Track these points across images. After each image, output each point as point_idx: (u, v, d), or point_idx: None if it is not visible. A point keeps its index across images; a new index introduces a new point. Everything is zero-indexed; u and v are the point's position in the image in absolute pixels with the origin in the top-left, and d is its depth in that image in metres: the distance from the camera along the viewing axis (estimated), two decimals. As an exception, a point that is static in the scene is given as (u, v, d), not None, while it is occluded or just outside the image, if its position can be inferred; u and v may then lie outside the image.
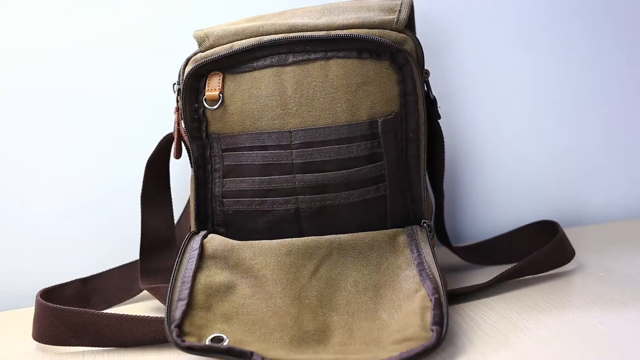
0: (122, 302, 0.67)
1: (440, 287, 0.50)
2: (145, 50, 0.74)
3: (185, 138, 0.59)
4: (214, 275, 0.52)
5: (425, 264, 0.53)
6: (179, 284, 0.50)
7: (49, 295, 0.60)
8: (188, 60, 0.58)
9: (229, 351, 0.44)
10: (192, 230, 0.60)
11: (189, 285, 0.50)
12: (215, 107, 0.58)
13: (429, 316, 0.47)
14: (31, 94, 0.72)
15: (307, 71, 0.56)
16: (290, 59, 0.56)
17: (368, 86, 0.56)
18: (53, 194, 0.74)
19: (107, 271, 0.68)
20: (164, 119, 0.73)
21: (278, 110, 0.56)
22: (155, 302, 0.66)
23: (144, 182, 0.64)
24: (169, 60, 0.73)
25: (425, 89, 0.61)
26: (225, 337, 0.47)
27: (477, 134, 0.83)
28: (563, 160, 0.85)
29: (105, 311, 0.57)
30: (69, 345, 0.54)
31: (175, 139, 0.61)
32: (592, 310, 0.54)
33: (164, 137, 0.64)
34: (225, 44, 0.58)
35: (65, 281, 0.64)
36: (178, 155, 0.61)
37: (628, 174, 0.87)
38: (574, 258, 0.66)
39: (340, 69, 0.56)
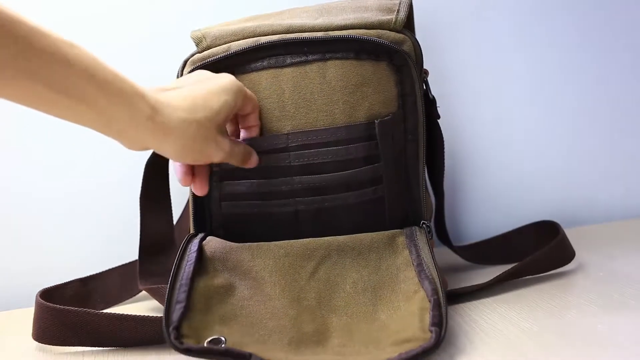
0: (121, 302, 0.67)
1: (439, 288, 0.50)
2: (144, 50, 0.74)
3: None
4: (212, 278, 0.52)
5: (424, 265, 0.52)
6: (177, 286, 0.50)
7: (48, 295, 0.60)
8: (186, 62, 0.58)
9: (228, 353, 0.44)
10: (190, 232, 0.59)
11: (187, 287, 0.49)
12: None
13: (427, 317, 0.47)
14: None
15: (305, 73, 0.56)
16: (288, 60, 0.56)
17: (366, 87, 0.56)
18: (53, 193, 0.74)
19: (106, 271, 0.68)
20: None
21: (276, 112, 0.56)
22: (155, 303, 0.66)
23: (143, 183, 0.64)
24: (167, 60, 0.72)
25: (424, 88, 0.61)
26: (223, 339, 0.47)
27: (477, 133, 0.83)
28: (563, 160, 0.85)
29: (104, 311, 0.57)
30: (69, 345, 0.54)
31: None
32: (592, 310, 0.54)
33: (164, 138, 0.64)
34: (223, 44, 0.58)
35: (65, 281, 0.64)
36: None
37: (628, 174, 0.87)
38: (574, 258, 0.66)
39: (338, 70, 0.56)
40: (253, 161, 0.55)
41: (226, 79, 0.51)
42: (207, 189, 0.55)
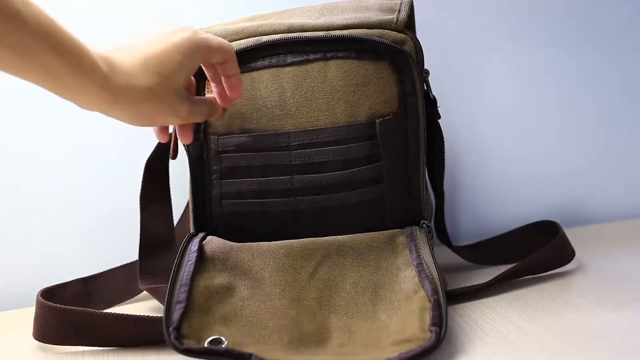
0: (122, 302, 0.67)
1: (439, 288, 0.50)
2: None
3: None
4: (212, 278, 0.52)
5: (424, 265, 0.53)
6: (177, 286, 0.50)
7: (50, 294, 0.60)
8: (187, 60, 0.58)
9: (228, 353, 0.44)
10: (190, 231, 0.59)
11: (187, 288, 0.49)
12: None
13: (427, 317, 0.47)
14: (32, 94, 0.72)
15: (306, 72, 0.56)
16: (289, 59, 0.56)
17: (367, 87, 0.56)
18: (53, 194, 0.74)
19: (107, 271, 0.68)
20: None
21: (277, 111, 0.56)
22: (155, 302, 0.66)
23: (143, 182, 0.64)
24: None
25: (425, 88, 0.61)
26: (224, 339, 0.47)
27: (477, 133, 0.83)
28: (563, 160, 0.85)
29: (105, 311, 0.57)
30: (69, 345, 0.54)
31: (172, 140, 0.61)
32: (592, 310, 0.54)
33: (164, 137, 0.64)
34: (224, 43, 0.58)
35: (66, 280, 0.64)
36: (174, 156, 0.61)
37: (628, 174, 0.87)
38: (574, 258, 0.66)
39: (340, 70, 0.56)
40: (218, 113, 0.54)
41: (182, 36, 0.47)
42: (191, 136, 0.54)
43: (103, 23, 0.73)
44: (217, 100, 0.54)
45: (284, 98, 0.56)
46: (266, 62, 0.57)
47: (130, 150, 0.74)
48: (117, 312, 0.54)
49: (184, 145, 0.60)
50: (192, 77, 0.54)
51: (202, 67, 0.53)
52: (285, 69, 0.56)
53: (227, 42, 0.51)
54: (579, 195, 0.86)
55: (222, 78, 0.53)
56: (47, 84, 0.42)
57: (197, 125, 0.58)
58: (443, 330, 0.46)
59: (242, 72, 0.57)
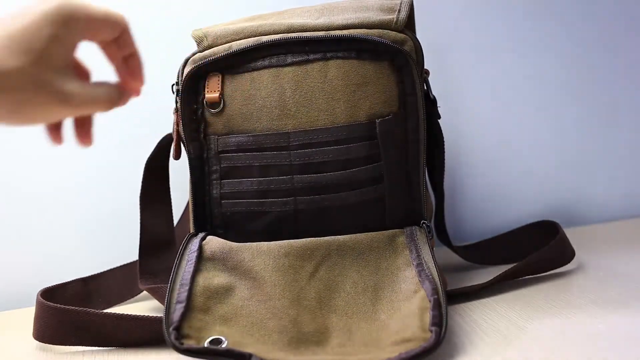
0: (122, 301, 0.67)
1: (439, 288, 0.50)
2: (145, 49, 0.74)
3: (184, 139, 0.59)
4: (212, 278, 0.52)
5: (424, 265, 0.53)
6: (177, 286, 0.50)
7: (50, 294, 0.60)
8: (187, 60, 0.58)
9: (228, 353, 0.44)
10: (190, 231, 0.59)
11: (187, 287, 0.50)
12: (217, 110, 0.57)
13: (428, 317, 0.47)
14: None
15: (306, 72, 0.56)
16: (289, 59, 0.56)
17: (367, 87, 0.56)
18: (53, 194, 0.74)
19: (108, 271, 0.68)
20: (163, 119, 0.73)
21: (276, 111, 0.56)
22: (155, 302, 0.66)
23: (143, 182, 0.64)
24: (169, 60, 0.72)
25: (425, 88, 0.61)
26: (224, 339, 0.47)
27: (477, 133, 0.83)
28: (563, 160, 0.85)
29: (105, 311, 0.57)
30: (69, 345, 0.55)
31: (174, 140, 0.61)
32: (592, 310, 0.54)
33: (164, 138, 0.64)
34: (224, 43, 0.58)
35: (66, 281, 0.64)
36: (177, 156, 0.61)
37: (628, 173, 0.87)
38: (574, 258, 0.66)
39: (340, 70, 0.56)
40: (125, 99, 0.44)
41: (52, 3, 0.38)
42: (91, 139, 0.45)
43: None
44: (122, 84, 0.46)
45: (284, 98, 0.56)
46: (266, 62, 0.57)
47: (130, 150, 0.74)
48: (117, 312, 0.54)
49: (183, 145, 0.60)
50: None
51: (99, 47, 0.44)
52: (285, 69, 0.56)
53: (118, 12, 0.42)
54: (579, 195, 0.86)
55: (123, 61, 0.45)
56: None
57: (198, 125, 0.58)
58: (443, 330, 0.46)
59: (243, 72, 0.57)
